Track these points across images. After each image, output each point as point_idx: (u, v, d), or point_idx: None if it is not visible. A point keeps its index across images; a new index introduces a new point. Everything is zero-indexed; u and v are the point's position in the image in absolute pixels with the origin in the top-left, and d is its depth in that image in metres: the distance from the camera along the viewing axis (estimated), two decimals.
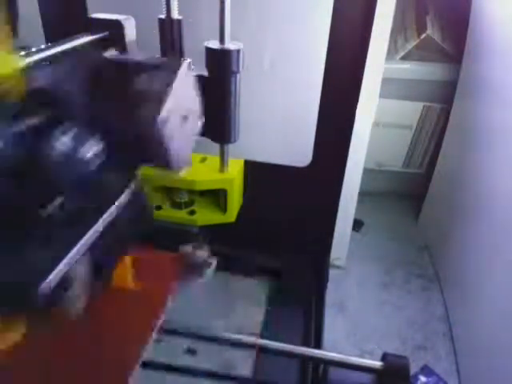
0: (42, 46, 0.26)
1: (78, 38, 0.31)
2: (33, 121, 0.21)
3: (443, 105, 0.99)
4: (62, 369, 0.33)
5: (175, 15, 0.39)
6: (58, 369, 0.33)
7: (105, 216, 0.26)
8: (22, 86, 0.20)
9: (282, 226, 0.79)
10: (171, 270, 0.43)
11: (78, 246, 0.24)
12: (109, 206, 0.27)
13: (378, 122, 1.00)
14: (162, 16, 0.39)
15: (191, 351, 0.69)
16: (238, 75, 0.42)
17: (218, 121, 0.45)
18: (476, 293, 0.74)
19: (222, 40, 0.41)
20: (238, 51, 0.41)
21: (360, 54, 0.63)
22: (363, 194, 0.86)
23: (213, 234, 0.56)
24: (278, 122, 0.70)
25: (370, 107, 0.72)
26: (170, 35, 0.40)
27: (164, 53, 0.41)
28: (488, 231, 0.73)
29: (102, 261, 0.28)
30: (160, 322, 0.38)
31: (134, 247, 0.39)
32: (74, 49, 0.27)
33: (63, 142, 0.22)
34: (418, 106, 1.01)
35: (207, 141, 0.47)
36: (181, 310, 0.73)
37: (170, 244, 0.49)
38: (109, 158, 0.25)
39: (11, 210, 0.21)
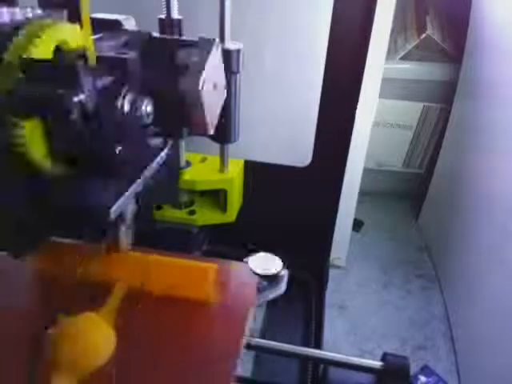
0: None
1: None
2: (104, 81, 0.26)
3: (443, 105, 0.99)
4: None
5: (175, 15, 0.39)
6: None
7: (149, 168, 0.32)
8: (94, 54, 0.26)
9: (282, 226, 0.79)
10: (249, 282, 0.42)
11: (132, 188, 0.29)
12: (152, 160, 0.32)
13: (377, 121, 1.00)
14: (162, 16, 0.39)
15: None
16: (238, 75, 0.42)
17: (218, 121, 0.45)
18: (476, 293, 0.74)
19: (222, 40, 0.41)
20: (238, 51, 0.41)
21: (360, 54, 0.63)
22: (363, 194, 0.86)
23: (212, 234, 0.56)
24: (278, 122, 0.70)
25: (370, 107, 0.72)
26: (170, 35, 0.40)
27: None
28: (488, 231, 0.73)
29: (141, 206, 0.33)
30: (246, 338, 0.37)
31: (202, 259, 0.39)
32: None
33: (126, 100, 0.27)
34: (418, 106, 1.01)
35: (207, 141, 0.47)
36: None
37: (171, 244, 0.49)
38: (156, 120, 0.30)
39: (90, 148, 0.26)
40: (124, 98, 0.26)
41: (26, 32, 0.24)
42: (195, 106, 0.30)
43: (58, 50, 0.25)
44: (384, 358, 0.45)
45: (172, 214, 0.52)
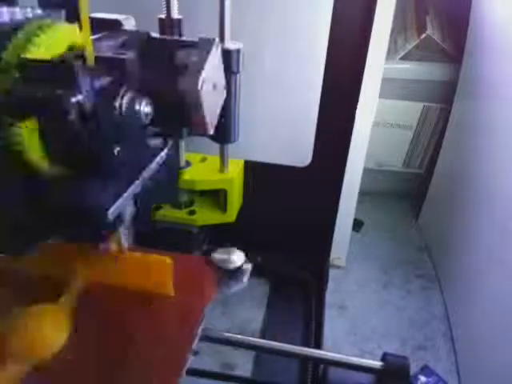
0: None
1: None
2: (103, 81, 0.26)
3: (443, 105, 0.99)
4: (104, 376, 0.33)
5: (175, 15, 0.39)
6: (99, 376, 0.33)
7: (147, 169, 0.31)
8: (92, 54, 0.26)
9: (282, 226, 0.79)
10: (209, 276, 0.42)
11: (130, 189, 0.29)
12: (151, 161, 0.32)
13: (377, 121, 1.00)
14: (162, 16, 0.39)
15: (193, 352, 0.69)
16: (238, 75, 0.42)
17: (219, 121, 0.45)
18: (476, 293, 0.74)
19: (222, 40, 0.41)
20: (238, 51, 0.41)
21: (360, 54, 0.63)
22: (363, 194, 0.86)
23: (212, 234, 0.56)
24: (278, 122, 0.70)
25: (370, 107, 0.72)
26: (170, 35, 0.40)
27: None
28: (488, 231, 0.73)
29: (140, 207, 0.33)
30: (200, 331, 0.37)
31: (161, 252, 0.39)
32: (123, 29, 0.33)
33: (124, 100, 0.27)
34: (418, 106, 1.01)
35: (207, 141, 0.47)
36: None
37: (171, 244, 0.49)
38: (155, 121, 0.30)
39: (88, 149, 0.26)
40: (122, 98, 0.26)
41: (25, 32, 0.24)
42: (194, 106, 0.30)
43: (56, 50, 0.25)
44: (384, 358, 0.45)
45: (172, 214, 0.52)
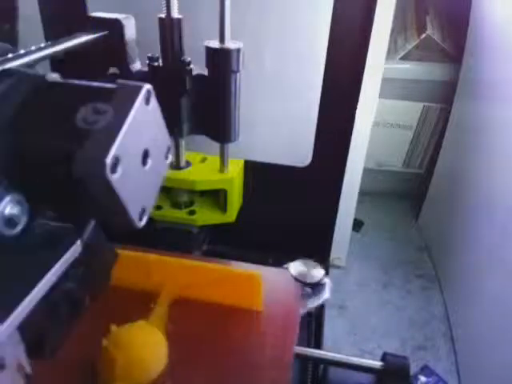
0: (42, 45, 0.26)
1: (77, 36, 0.31)
2: None
3: (443, 105, 0.99)
4: None
5: (175, 14, 0.39)
6: None
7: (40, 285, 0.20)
8: None
9: (282, 226, 0.79)
10: (293, 291, 0.41)
11: (6, 323, 0.18)
12: (46, 271, 0.20)
13: (377, 121, 1.00)
14: (162, 15, 0.39)
15: None
16: (238, 74, 0.42)
17: (219, 120, 0.45)
18: (476, 293, 0.74)
19: (222, 39, 0.41)
20: (238, 50, 0.41)
21: (360, 54, 0.63)
22: (363, 194, 0.86)
23: (212, 234, 0.56)
24: (278, 121, 0.70)
25: (370, 107, 0.72)
26: (170, 34, 0.40)
27: (164, 52, 0.41)
28: (488, 231, 0.73)
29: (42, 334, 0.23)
30: (294, 346, 0.36)
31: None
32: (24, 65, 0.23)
33: None
34: (418, 106, 1.01)
35: (207, 141, 0.47)
36: None
37: (171, 244, 0.49)
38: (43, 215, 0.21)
39: None
40: None
41: None
42: (106, 193, 0.19)
43: None
44: (384, 357, 0.45)
45: (172, 214, 0.52)
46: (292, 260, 0.45)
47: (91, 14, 0.34)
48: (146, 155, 0.21)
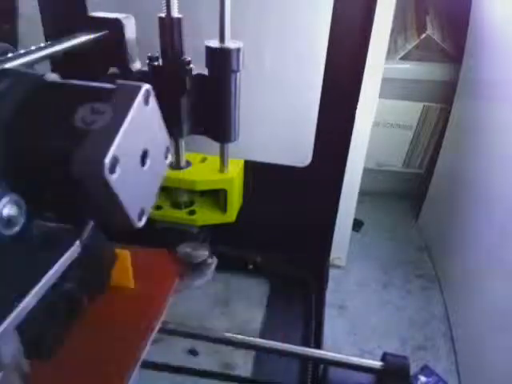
0: (42, 45, 0.26)
1: (77, 36, 0.31)
2: None
3: (443, 105, 0.99)
4: (58, 367, 0.33)
5: (175, 14, 0.39)
6: (55, 367, 0.33)
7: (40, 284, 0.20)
8: None
9: (282, 226, 0.79)
10: (171, 269, 0.43)
11: (6, 321, 0.18)
12: (46, 270, 0.20)
13: (378, 121, 1.00)
14: (162, 15, 0.39)
15: (193, 352, 0.69)
16: (238, 74, 0.42)
17: (219, 120, 0.45)
18: (476, 293, 0.74)
19: (222, 39, 0.41)
20: (238, 50, 0.41)
21: (360, 54, 0.63)
22: (363, 194, 0.86)
23: (212, 234, 0.56)
24: (278, 122, 0.70)
25: (370, 107, 0.72)
26: (170, 34, 0.40)
27: (164, 51, 0.41)
28: (487, 231, 0.73)
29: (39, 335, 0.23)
30: (159, 323, 0.38)
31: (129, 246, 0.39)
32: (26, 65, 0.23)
33: None
34: (418, 106, 1.01)
35: (207, 141, 0.47)
36: (181, 310, 0.73)
37: (170, 244, 0.49)
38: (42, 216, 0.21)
39: None
40: None
41: None
42: (105, 195, 0.19)
43: None
44: (384, 357, 0.45)
45: (172, 214, 0.52)
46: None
47: (91, 14, 0.34)
48: (144, 155, 0.21)
